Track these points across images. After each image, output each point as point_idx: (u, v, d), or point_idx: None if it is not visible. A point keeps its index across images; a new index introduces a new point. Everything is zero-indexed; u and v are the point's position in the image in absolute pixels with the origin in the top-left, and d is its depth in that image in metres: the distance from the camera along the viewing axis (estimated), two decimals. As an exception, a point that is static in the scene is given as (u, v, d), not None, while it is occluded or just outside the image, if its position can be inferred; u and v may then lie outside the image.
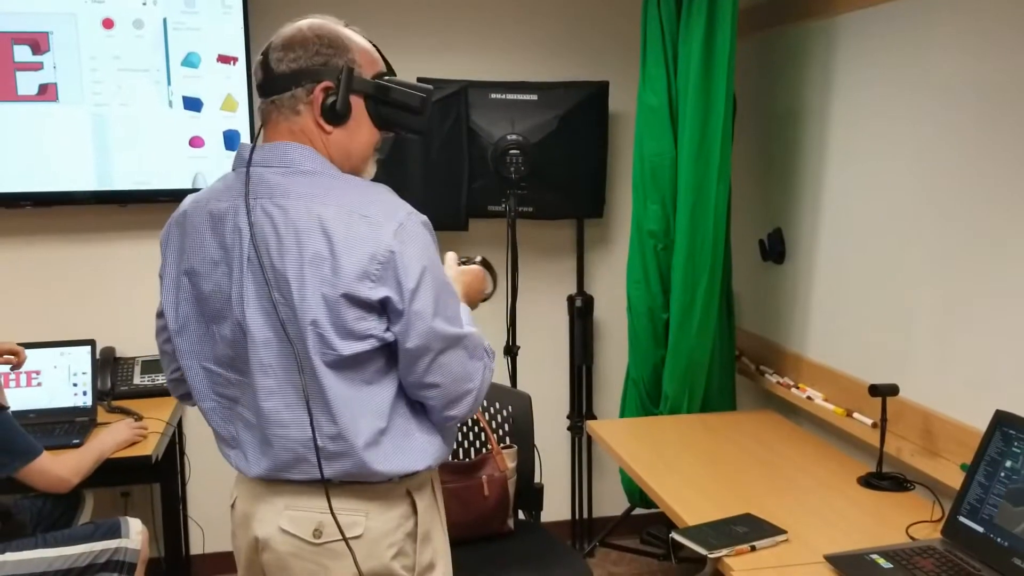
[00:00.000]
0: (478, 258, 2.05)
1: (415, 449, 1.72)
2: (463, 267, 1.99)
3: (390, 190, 1.70)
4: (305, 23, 1.68)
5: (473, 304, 1.96)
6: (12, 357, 2.71)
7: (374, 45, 1.74)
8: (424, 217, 1.68)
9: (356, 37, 1.71)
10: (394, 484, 1.73)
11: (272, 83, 1.66)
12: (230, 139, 3.47)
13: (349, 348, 1.61)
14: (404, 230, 1.61)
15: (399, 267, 1.60)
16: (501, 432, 3.01)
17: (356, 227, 1.59)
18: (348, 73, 1.65)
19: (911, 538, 2.24)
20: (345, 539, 1.67)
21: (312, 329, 1.59)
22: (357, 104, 1.68)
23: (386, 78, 1.71)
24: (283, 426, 1.66)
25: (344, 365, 1.63)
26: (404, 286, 1.60)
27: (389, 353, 1.67)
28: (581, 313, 3.88)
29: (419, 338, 1.63)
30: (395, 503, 1.73)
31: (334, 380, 1.63)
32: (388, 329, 1.63)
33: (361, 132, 1.71)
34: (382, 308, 1.62)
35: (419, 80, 3.50)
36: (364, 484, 1.70)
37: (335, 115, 1.66)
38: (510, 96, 3.58)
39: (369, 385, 1.66)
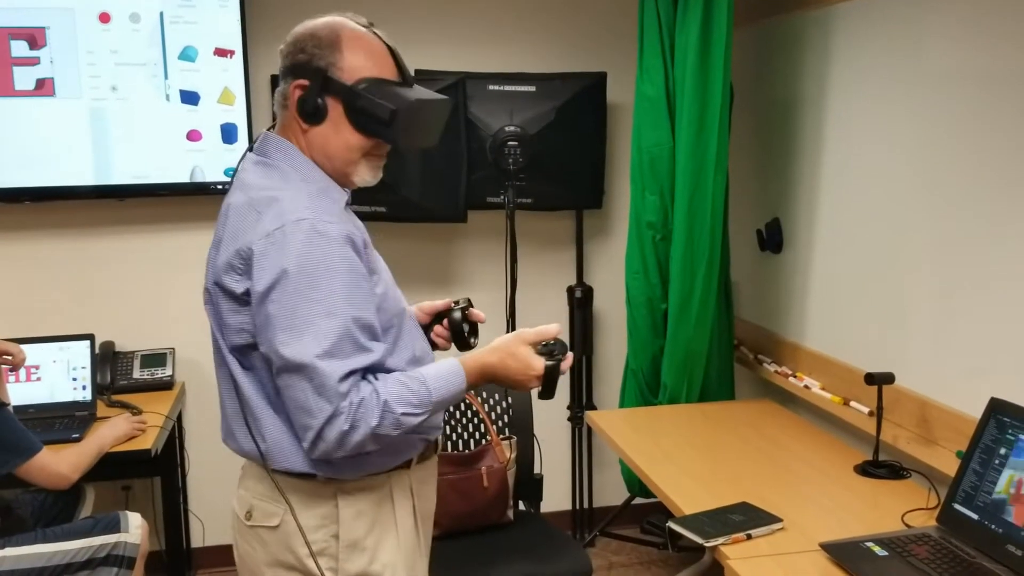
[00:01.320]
0: (551, 361, 1.72)
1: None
2: (523, 352, 1.71)
3: (329, 194, 1.68)
4: (320, 20, 1.71)
5: (511, 384, 1.75)
6: (8, 357, 2.70)
7: (392, 52, 1.71)
8: (327, 227, 1.58)
9: (360, 39, 1.69)
10: (319, 483, 1.71)
11: (280, 74, 1.74)
12: (227, 132, 3.47)
13: (232, 340, 1.67)
14: (281, 232, 1.57)
15: (255, 267, 1.58)
16: (500, 423, 3.02)
17: (244, 220, 1.63)
18: (321, 74, 1.65)
19: (906, 525, 2.24)
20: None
21: (210, 313, 1.71)
22: (335, 106, 1.67)
23: (364, 86, 1.66)
24: (221, 398, 1.77)
25: (244, 353, 1.68)
26: (254, 288, 1.58)
27: None
28: (580, 304, 3.88)
29: (264, 345, 1.61)
30: (318, 503, 1.71)
31: (238, 366, 1.69)
32: None
33: (340, 134, 1.69)
34: (249, 304, 1.62)
35: (417, 72, 3.51)
36: (287, 476, 1.70)
37: (306, 114, 1.68)
38: (508, 87, 3.58)
39: (267, 378, 1.67)
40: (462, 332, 1.94)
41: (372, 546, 1.75)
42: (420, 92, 1.72)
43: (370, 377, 1.61)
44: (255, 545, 1.77)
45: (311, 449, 1.60)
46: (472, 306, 1.98)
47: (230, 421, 1.76)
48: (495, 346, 1.73)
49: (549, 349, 1.73)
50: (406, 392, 1.62)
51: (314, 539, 1.71)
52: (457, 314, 1.93)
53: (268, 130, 1.77)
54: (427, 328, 2.00)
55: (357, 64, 1.67)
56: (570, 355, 1.75)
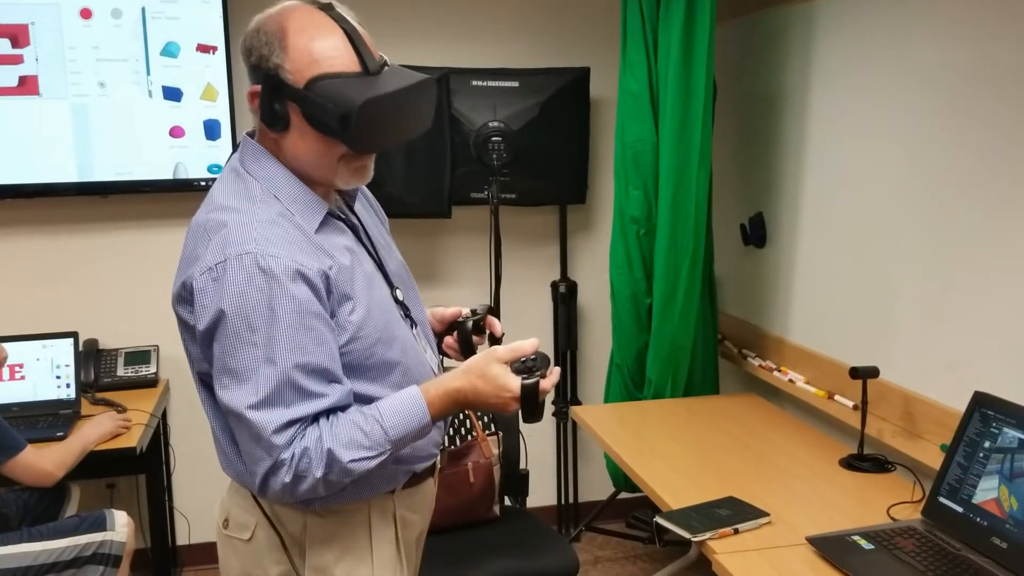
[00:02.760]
0: (529, 379, 1.55)
1: None
2: (495, 371, 1.55)
3: (291, 218, 1.53)
4: (272, 10, 1.54)
5: (488, 409, 1.62)
6: None
7: (350, 36, 1.51)
8: (271, 263, 1.44)
9: (307, 31, 1.50)
10: (290, 508, 1.64)
11: None
12: (210, 128, 3.45)
13: (195, 365, 1.59)
14: (222, 267, 1.44)
15: (196, 304, 1.47)
16: (486, 419, 3.02)
17: (196, 245, 1.51)
18: (273, 79, 1.49)
19: (892, 519, 2.26)
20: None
21: (183, 337, 1.60)
22: (295, 112, 1.51)
23: (317, 86, 1.47)
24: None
25: (208, 381, 1.56)
26: (197, 326, 1.48)
27: None
28: (565, 299, 3.89)
29: (214, 383, 1.51)
30: (290, 522, 1.65)
31: (204, 392, 1.61)
32: None
33: (306, 141, 1.53)
34: None
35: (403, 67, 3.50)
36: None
37: (268, 122, 1.54)
38: (491, 83, 3.58)
39: None
40: (471, 345, 1.81)
41: (342, 574, 1.65)
42: (385, 81, 1.51)
43: (320, 421, 1.49)
44: (229, 554, 1.73)
45: (261, 494, 1.53)
46: (494, 313, 1.85)
47: (214, 440, 1.67)
48: (464, 368, 1.57)
49: (527, 366, 1.56)
50: (357, 434, 1.49)
51: (282, 559, 1.65)
52: (468, 324, 1.81)
53: (249, 132, 1.65)
54: (441, 336, 1.90)
55: (305, 62, 1.48)
56: (556, 370, 1.60)
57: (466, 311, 1.85)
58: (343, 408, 1.53)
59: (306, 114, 1.50)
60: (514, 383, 1.54)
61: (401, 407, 1.53)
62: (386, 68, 1.55)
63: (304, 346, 1.46)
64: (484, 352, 1.58)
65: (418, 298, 1.83)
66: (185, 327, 1.55)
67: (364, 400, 1.57)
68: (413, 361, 1.68)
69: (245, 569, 1.70)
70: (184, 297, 1.51)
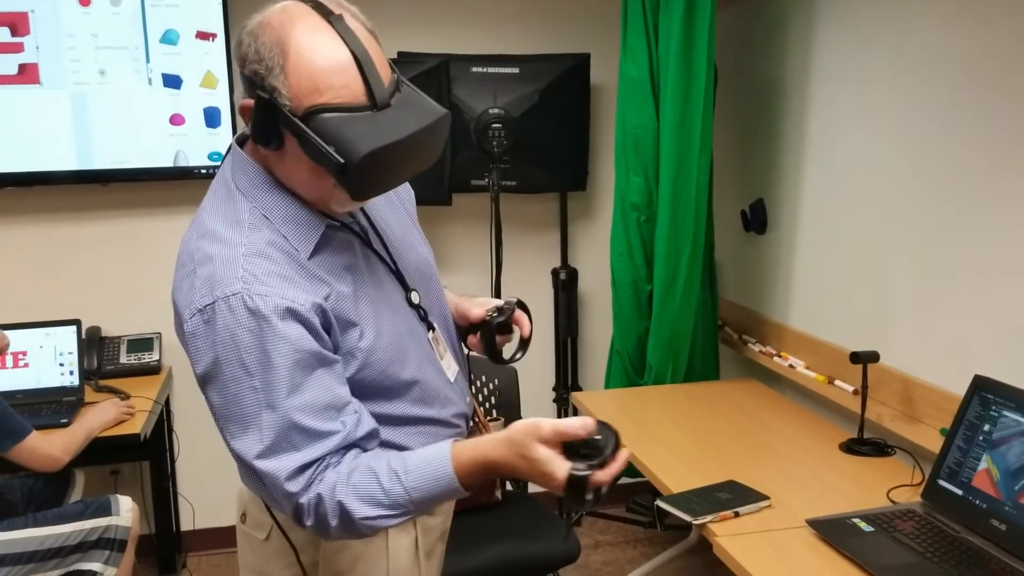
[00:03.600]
0: (578, 472, 1.28)
1: None
2: (538, 453, 1.30)
3: (280, 245, 1.41)
4: (271, 13, 1.37)
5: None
6: None
7: (359, 61, 1.32)
8: (259, 302, 1.33)
9: (308, 51, 1.31)
10: None
11: None
12: (210, 116, 3.45)
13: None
14: (212, 310, 1.34)
15: (189, 347, 1.38)
16: (487, 405, 3.03)
17: (183, 277, 1.41)
18: (267, 101, 1.33)
19: (892, 502, 2.27)
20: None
21: None
22: (290, 137, 1.35)
23: (316, 119, 1.31)
24: None
25: None
26: (193, 369, 1.39)
27: None
28: (565, 286, 3.90)
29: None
30: (302, 530, 1.49)
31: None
32: None
33: (301, 166, 1.38)
34: None
35: (400, 55, 3.51)
36: None
37: (259, 139, 1.38)
38: (491, 69, 3.58)
39: None
40: (495, 346, 1.70)
41: None
42: (392, 121, 1.34)
43: (340, 466, 1.37)
44: (246, 549, 1.68)
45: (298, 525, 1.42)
46: (524, 308, 1.72)
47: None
48: (505, 438, 1.34)
49: (580, 451, 1.30)
50: (373, 489, 1.35)
51: (292, 562, 1.60)
52: (492, 325, 1.68)
53: (239, 137, 1.52)
54: (464, 333, 1.80)
55: (305, 89, 1.31)
56: (621, 456, 1.32)
57: (491, 308, 1.72)
58: (364, 439, 1.42)
59: (302, 145, 1.33)
60: (560, 471, 1.29)
61: (427, 467, 1.36)
62: (396, 95, 1.37)
63: (303, 386, 1.35)
64: (528, 424, 1.33)
65: (440, 294, 1.72)
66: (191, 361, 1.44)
67: (385, 420, 1.49)
68: (430, 374, 1.59)
69: (260, 567, 1.66)
70: (177, 330, 1.43)
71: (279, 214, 1.43)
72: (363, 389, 1.46)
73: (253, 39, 1.34)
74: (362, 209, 1.60)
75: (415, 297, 1.60)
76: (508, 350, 1.77)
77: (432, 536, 1.70)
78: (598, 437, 1.31)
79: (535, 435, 1.31)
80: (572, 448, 1.30)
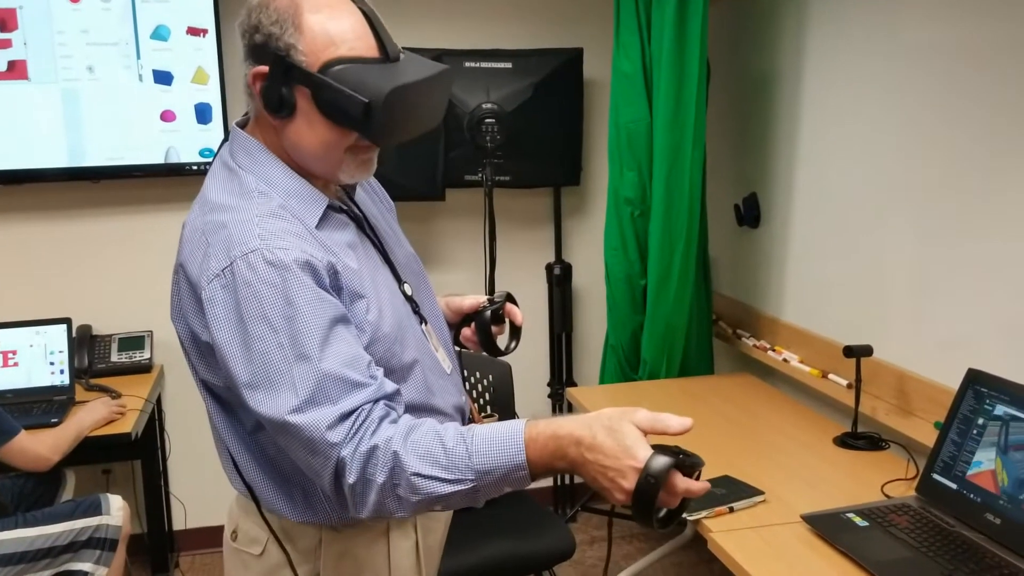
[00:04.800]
0: (667, 458, 1.20)
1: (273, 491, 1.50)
2: (626, 431, 1.23)
3: (292, 209, 1.42)
4: None
5: (595, 479, 1.27)
6: None
7: (370, 19, 1.40)
8: (280, 255, 1.32)
9: (323, 9, 1.37)
10: (305, 524, 1.52)
11: (242, 56, 1.45)
12: (201, 112, 3.43)
13: (198, 371, 1.47)
14: (230, 272, 1.32)
15: (208, 315, 1.34)
16: (482, 401, 3.02)
17: (195, 250, 1.38)
18: (281, 60, 1.36)
19: (886, 496, 2.27)
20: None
21: (183, 346, 1.48)
22: (304, 97, 1.38)
23: (334, 71, 1.35)
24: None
25: (212, 388, 1.48)
26: (212, 338, 1.35)
27: None
28: (560, 281, 3.89)
29: (241, 402, 1.36)
30: (302, 536, 1.53)
31: (209, 399, 1.50)
32: None
33: (314, 130, 1.40)
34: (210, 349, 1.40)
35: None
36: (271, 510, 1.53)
37: (272, 108, 1.40)
38: (484, 64, 3.56)
39: (245, 417, 1.47)
40: (491, 336, 1.70)
41: None
42: (405, 69, 1.40)
43: (398, 422, 1.31)
44: (238, 566, 1.61)
45: (344, 512, 1.38)
46: (513, 301, 1.71)
47: (217, 450, 1.56)
48: (591, 414, 1.27)
49: (673, 450, 1.21)
50: (435, 448, 1.27)
51: (301, 573, 1.55)
52: (487, 314, 1.67)
53: (239, 121, 1.53)
54: (457, 328, 1.79)
55: (321, 44, 1.36)
56: (702, 484, 1.25)
57: (483, 300, 1.71)
58: (393, 396, 1.36)
59: (319, 100, 1.36)
60: (643, 452, 1.20)
61: (495, 434, 1.27)
62: (402, 56, 1.43)
63: (330, 337, 1.32)
64: (621, 409, 1.27)
65: (430, 291, 1.71)
66: (192, 341, 1.43)
67: (410, 404, 1.45)
68: (428, 363, 1.56)
69: None
70: (189, 306, 1.40)
71: (282, 187, 1.44)
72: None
73: (264, 6, 1.39)
74: (352, 201, 1.61)
75: (408, 289, 1.60)
76: (502, 341, 1.76)
77: (432, 539, 1.67)
78: (683, 452, 1.22)
79: (628, 415, 1.25)
80: (657, 448, 1.20)
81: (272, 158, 1.46)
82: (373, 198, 1.72)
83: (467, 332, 1.75)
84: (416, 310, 1.60)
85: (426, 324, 1.61)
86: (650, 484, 1.16)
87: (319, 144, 1.42)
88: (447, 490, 1.26)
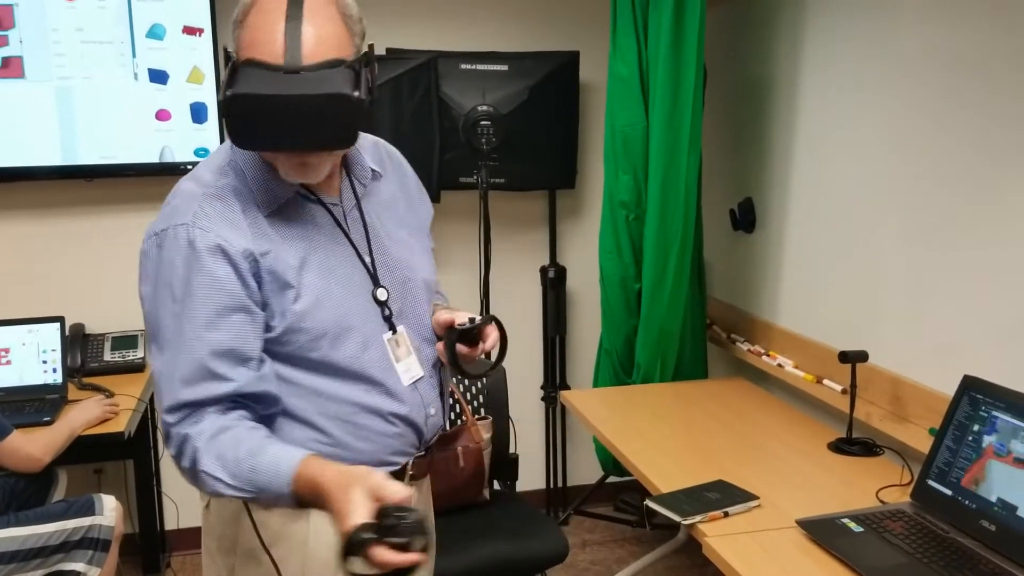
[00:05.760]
0: (360, 535, 1.24)
1: None
2: (350, 496, 1.28)
3: (241, 195, 1.52)
4: None
5: None
6: None
7: (292, 27, 1.42)
8: (199, 236, 1.46)
9: (263, 5, 1.43)
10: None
11: None
12: (197, 112, 3.42)
13: None
14: (162, 236, 1.49)
15: (140, 266, 1.53)
16: (476, 404, 3.02)
17: (161, 210, 1.56)
18: (227, 52, 1.46)
19: (881, 502, 2.27)
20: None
21: None
22: None
23: (242, 67, 1.41)
24: None
25: None
26: (139, 287, 1.54)
27: None
28: (554, 284, 3.89)
29: None
30: (228, 504, 1.61)
31: None
32: None
33: None
34: None
35: (388, 52, 3.49)
36: None
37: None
38: (480, 66, 3.56)
39: None
40: (455, 356, 1.66)
41: (270, 563, 1.59)
42: (282, 82, 1.39)
43: (219, 418, 1.45)
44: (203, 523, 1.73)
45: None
46: (499, 325, 1.69)
47: None
48: (344, 470, 1.35)
49: (386, 523, 1.25)
50: (228, 454, 1.41)
51: (221, 535, 1.62)
52: (453, 335, 1.66)
53: None
54: (438, 339, 1.78)
55: (245, 42, 1.43)
56: (412, 556, 1.25)
57: (464, 319, 1.68)
58: (255, 399, 1.50)
59: None
60: (354, 517, 1.26)
61: (276, 461, 1.40)
62: (324, 72, 1.40)
63: (215, 324, 1.45)
64: (368, 470, 1.34)
65: (423, 307, 1.73)
66: None
67: (314, 393, 1.55)
68: (376, 368, 1.60)
69: (204, 537, 1.70)
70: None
71: (252, 171, 1.55)
72: (291, 352, 1.53)
73: (238, 2, 1.49)
74: (359, 202, 1.65)
75: (381, 294, 1.64)
76: (479, 367, 1.76)
77: None
78: (411, 518, 1.25)
79: (365, 480, 1.31)
80: (384, 513, 1.26)
81: (221, 158, 1.58)
82: (395, 197, 1.77)
83: (439, 347, 1.74)
84: (388, 317, 1.64)
85: (395, 333, 1.64)
86: (351, 549, 1.24)
87: None
88: (229, 492, 1.42)
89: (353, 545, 1.24)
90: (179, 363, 1.45)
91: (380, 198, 1.72)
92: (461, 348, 1.67)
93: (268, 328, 1.51)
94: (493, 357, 1.78)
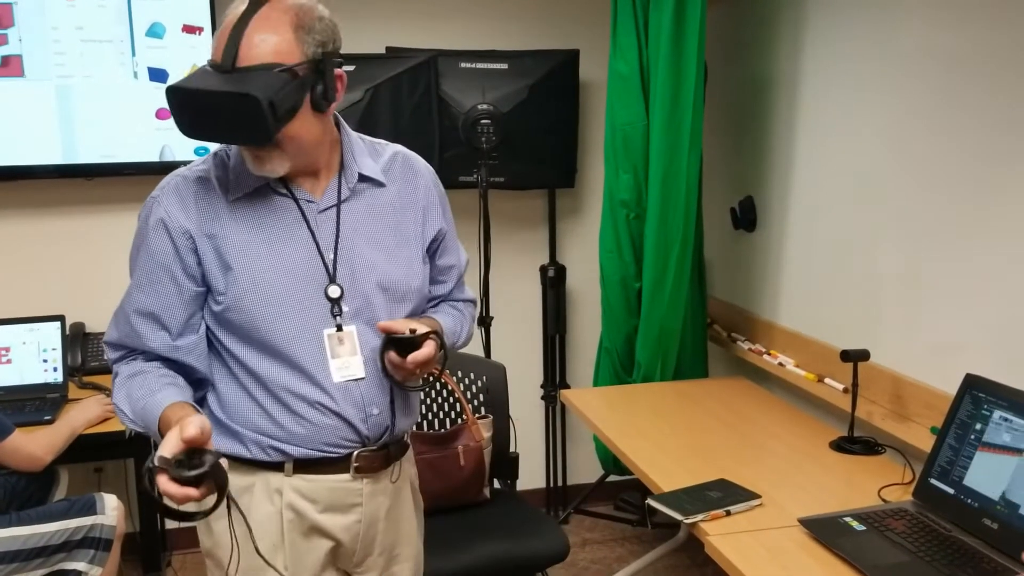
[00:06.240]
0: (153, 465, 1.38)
1: None
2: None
3: (208, 181, 1.70)
4: None
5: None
6: None
7: (237, 30, 1.56)
8: (151, 209, 1.68)
9: (229, 15, 1.59)
10: None
11: None
12: (197, 111, 3.41)
13: None
14: (146, 202, 1.71)
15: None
16: (476, 402, 3.02)
17: None
18: None
19: (883, 500, 2.27)
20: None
21: None
22: None
23: (203, 67, 1.60)
24: None
25: None
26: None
27: None
28: (554, 283, 3.89)
29: None
30: None
31: None
32: None
33: None
34: None
35: (388, 50, 3.49)
36: None
37: None
38: (480, 65, 3.56)
39: None
40: (383, 356, 1.71)
41: (220, 532, 1.74)
42: (212, 79, 1.55)
43: (135, 360, 1.70)
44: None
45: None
46: (435, 338, 1.69)
47: None
48: (180, 415, 1.48)
49: (193, 461, 1.37)
50: (134, 392, 1.63)
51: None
52: (384, 344, 1.70)
53: None
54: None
55: (213, 44, 1.63)
56: (189, 491, 1.37)
57: (405, 328, 1.70)
58: (166, 363, 1.69)
59: None
60: (157, 451, 1.39)
61: (155, 406, 1.57)
62: (242, 73, 1.54)
63: (144, 287, 1.67)
64: (198, 415, 1.46)
65: (383, 307, 1.76)
66: None
67: (253, 374, 1.69)
68: (306, 358, 1.69)
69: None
70: None
71: (235, 159, 1.70)
72: (234, 329, 1.68)
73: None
74: (339, 203, 1.74)
75: (334, 291, 1.71)
76: (411, 380, 1.77)
77: (304, 524, 1.75)
78: (204, 461, 1.37)
79: (180, 422, 1.40)
80: (187, 453, 1.38)
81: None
82: (392, 207, 1.81)
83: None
84: (337, 314, 1.71)
85: (341, 330, 1.71)
86: (146, 471, 1.39)
87: None
88: (131, 426, 1.65)
89: (146, 471, 1.38)
90: (123, 312, 1.71)
91: (374, 203, 1.79)
92: (392, 357, 1.70)
93: (214, 305, 1.68)
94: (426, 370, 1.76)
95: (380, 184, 1.80)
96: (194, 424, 1.38)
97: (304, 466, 1.74)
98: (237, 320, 1.67)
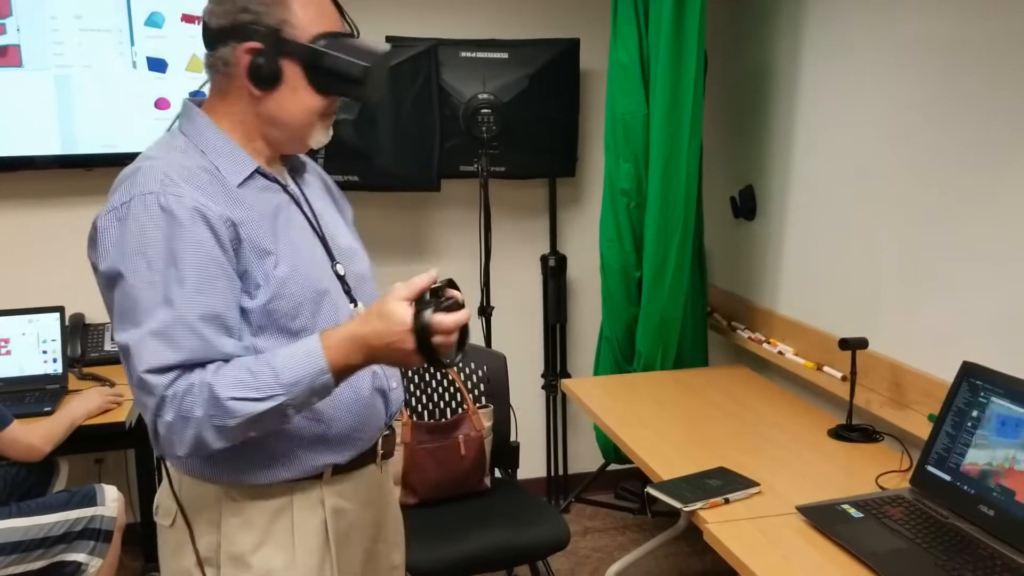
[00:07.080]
0: (421, 309, 1.39)
1: None
2: (391, 308, 1.39)
3: (213, 172, 1.51)
4: None
5: (394, 359, 1.45)
6: None
7: (335, 1, 1.57)
8: (172, 201, 1.42)
9: None
10: (209, 484, 1.59)
11: (206, 38, 1.56)
12: (196, 101, 3.41)
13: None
14: (126, 208, 1.42)
15: (99, 245, 1.45)
16: (477, 392, 3.02)
17: (109, 199, 1.49)
18: (274, 35, 1.49)
19: (881, 488, 2.27)
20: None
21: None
22: (292, 68, 1.51)
23: (324, 43, 1.50)
24: None
25: None
26: (98, 267, 1.47)
27: None
28: (554, 272, 3.88)
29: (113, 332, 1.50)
30: (205, 505, 1.59)
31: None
32: None
33: (299, 97, 1.53)
34: None
35: (388, 39, 3.48)
36: (182, 473, 1.63)
37: (261, 80, 1.51)
38: (480, 54, 3.55)
39: None
40: (421, 336, 1.43)
41: (259, 565, 1.58)
42: (367, 44, 1.56)
43: (208, 365, 1.42)
44: (160, 541, 1.69)
45: (159, 448, 1.45)
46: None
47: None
48: (360, 317, 1.46)
49: (426, 303, 1.38)
50: (243, 375, 1.40)
51: (201, 546, 1.59)
52: (416, 310, 1.48)
53: (189, 99, 1.63)
54: None
55: (309, 19, 1.51)
56: (462, 313, 1.40)
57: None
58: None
59: (312, 69, 1.51)
60: (406, 316, 1.38)
61: (296, 348, 1.43)
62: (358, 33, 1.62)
63: (203, 288, 1.42)
64: (384, 293, 1.44)
65: (369, 284, 1.74)
66: (96, 273, 1.50)
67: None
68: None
69: (168, 559, 1.67)
70: (90, 239, 1.50)
71: (214, 147, 1.55)
72: (273, 322, 1.52)
73: None
74: (299, 186, 1.69)
75: (340, 268, 1.66)
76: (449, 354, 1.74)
77: (344, 521, 1.67)
78: (437, 294, 1.40)
79: (392, 294, 1.40)
80: (420, 299, 1.39)
81: (214, 128, 1.56)
82: (324, 195, 1.78)
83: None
84: (348, 291, 1.66)
85: (356, 306, 1.66)
86: (423, 335, 1.37)
87: (303, 110, 1.55)
88: (261, 408, 1.39)
89: (423, 327, 1.36)
90: (167, 328, 1.39)
91: (314, 184, 1.76)
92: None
93: (252, 298, 1.49)
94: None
95: (307, 168, 1.77)
96: (416, 278, 1.39)
97: (342, 469, 1.65)
98: (279, 310, 1.51)
